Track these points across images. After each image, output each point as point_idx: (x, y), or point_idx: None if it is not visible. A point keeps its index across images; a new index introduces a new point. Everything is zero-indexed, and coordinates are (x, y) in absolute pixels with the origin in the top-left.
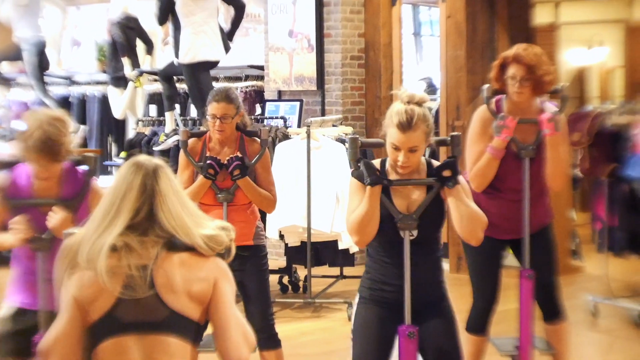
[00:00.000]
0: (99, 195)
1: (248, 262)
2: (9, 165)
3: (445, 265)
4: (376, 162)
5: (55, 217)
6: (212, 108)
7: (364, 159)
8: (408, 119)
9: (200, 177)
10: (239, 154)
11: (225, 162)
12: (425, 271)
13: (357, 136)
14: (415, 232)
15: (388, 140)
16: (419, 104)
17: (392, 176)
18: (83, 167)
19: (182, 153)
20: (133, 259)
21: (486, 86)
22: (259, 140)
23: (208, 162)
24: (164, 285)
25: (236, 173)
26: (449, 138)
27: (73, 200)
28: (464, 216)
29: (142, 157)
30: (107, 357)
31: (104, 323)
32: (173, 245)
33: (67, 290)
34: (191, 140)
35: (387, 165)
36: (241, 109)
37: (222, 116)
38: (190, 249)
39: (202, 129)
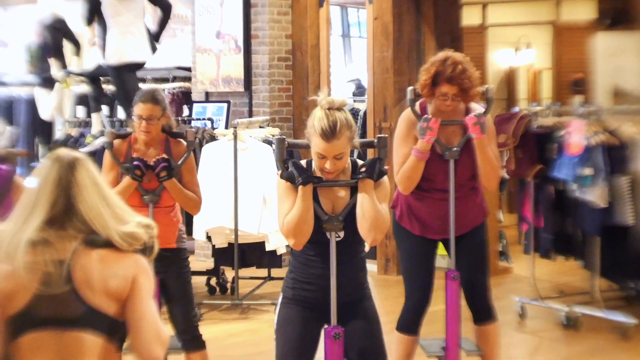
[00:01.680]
0: (22, 191)
1: (170, 264)
2: None
3: (373, 266)
4: (302, 163)
5: None
6: (138, 109)
7: (291, 159)
8: (331, 128)
9: (127, 178)
10: (165, 156)
11: (152, 163)
12: (349, 271)
13: (284, 137)
14: (341, 234)
15: (313, 149)
16: (340, 109)
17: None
18: (6, 164)
19: (107, 154)
20: (50, 254)
21: (410, 88)
22: (184, 141)
23: (135, 163)
24: (81, 281)
25: (163, 174)
26: (375, 140)
27: None
28: (366, 214)
29: (62, 151)
30: (24, 352)
31: (21, 318)
32: (92, 240)
33: None
34: (116, 141)
35: (314, 166)
36: (167, 110)
37: (148, 117)
38: (110, 244)
39: (128, 130)
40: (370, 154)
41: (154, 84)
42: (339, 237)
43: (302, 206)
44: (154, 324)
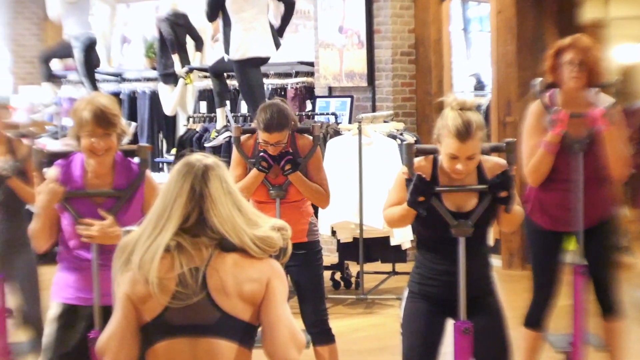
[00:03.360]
0: (152, 186)
1: (302, 258)
2: (62, 155)
3: (498, 261)
4: (428, 162)
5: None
6: (265, 137)
7: (420, 175)
8: (466, 128)
9: (253, 171)
10: (290, 149)
11: (277, 156)
12: (474, 268)
13: (412, 142)
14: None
15: (444, 150)
16: (471, 109)
17: (444, 177)
18: (136, 159)
19: (234, 150)
20: (185, 259)
21: (538, 80)
22: (309, 137)
23: (261, 155)
24: (216, 287)
25: (287, 168)
26: (504, 144)
27: (127, 190)
28: (512, 221)
29: (193, 157)
30: (160, 359)
31: (155, 325)
32: (225, 246)
33: (121, 288)
34: (243, 137)
35: (439, 165)
36: (291, 124)
37: (276, 143)
38: (243, 249)
39: (253, 125)
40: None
41: (277, 79)
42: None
43: (404, 215)
44: (290, 327)
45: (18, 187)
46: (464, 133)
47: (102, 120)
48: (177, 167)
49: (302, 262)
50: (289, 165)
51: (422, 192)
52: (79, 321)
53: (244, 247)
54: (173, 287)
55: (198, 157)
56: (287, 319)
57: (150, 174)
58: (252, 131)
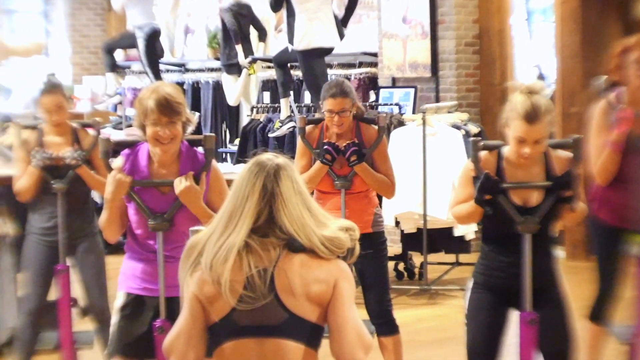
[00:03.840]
0: (218, 175)
1: (367, 249)
2: (128, 145)
3: (561, 253)
4: (492, 156)
5: (182, 184)
6: (328, 104)
7: (487, 173)
8: (535, 110)
9: (317, 163)
10: (356, 140)
11: (342, 148)
12: (540, 261)
13: (478, 138)
14: None
15: (512, 134)
16: (539, 93)
17: (509, 169)
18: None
19: (299, 140)
20: (254, 260)
21: (602, 77)
22: (374, 126)
23: (325, 147)
24: (283, 288)
25: (353, 159)
26: (571, 140)
27: (194, 177)
28: (575, 217)
29: (264, 157)
30: (227, 358)
31: (223, 326)
32: (293, 246)
33: (189, 288)
34: (308, 127)
35: (504, 157)
36: (356, 99)
37: (340, 110)
38: (311, 250)
39: (317, 116)
40: None
41: (341, 70)
42: None
43: (471, 211)
44: (357, 329)
45: (88, 175)
46: (532, 115)
47: (167, 109)
48: (248, 166)
49: (367, 253)
50: (354, 156)
51: (489, 190)
52: (144, 311)
53: (313, 247)
54: (240, 290)
55: (269, 157)
56: (354, 320)
57: (216, 163)
58: (317, 122)
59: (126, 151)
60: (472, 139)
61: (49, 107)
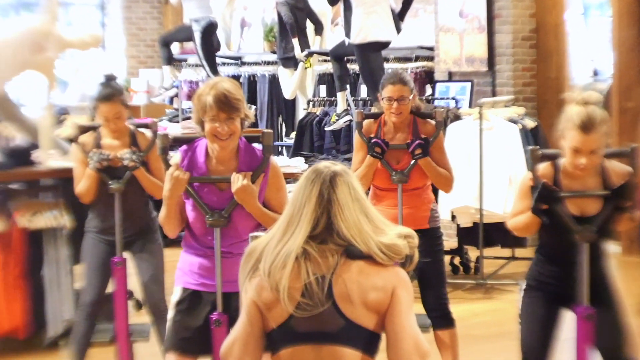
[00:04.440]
0: (276, 172)
1: (424, 244)
2: (186, 141)
3: (617, 248)
4: (549, 168)
5: (238, 182)
6: (388, 91)
7: (545, 183)
8: (591, 121)
9: (368, 157)
10: (422, 135)
11: (407, 143)
12: (593, 265)
13: (538, 148)
14: None
15: (568, 144)
16: (595, 105)
17: (566, 180)
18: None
19: (356, 134)
20: (312, 267)
21: None
22: (431, 121)
23: (373, 140)
24: (341, 295)
25: (418, 152)
26: (629, 150)
27: (252, 176)
28: (630, 224)
29: (322, 165)
30: None
31: (281, 332)
32: (351, 253)
33: (247, 294)
34: (366, 122)
35: (561, 169)
36: (414, 90)
37: (399, 98)
38: (369, 256)
39: (374, 110)
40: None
41: (397, 64)
42: None
43: (529, 222)
44: (414, 337)
45: (144, 178)
46: (588, 125)
47: (225, 105)
48: (305, 174)
49: (424, 248)
50: (419, 149)
51: (547, 199)
52: (201, 306)
53: (370, 253)
54: (298, 297)
55: (326, 164)
56: (411, 329)
57: (274, 160)
58: (376, 116)
59: (184, 147)
60: (530, 147)
61: (108, 115)
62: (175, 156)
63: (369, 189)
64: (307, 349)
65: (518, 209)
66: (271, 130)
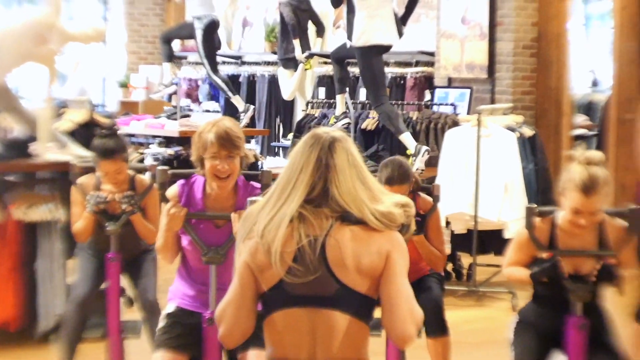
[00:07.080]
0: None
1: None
2: (184, 176)
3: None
4: (546, 223)
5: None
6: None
7: (555, 263)
8: (593, 182)
9: None
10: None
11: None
12: (590, 315)
13: (534, 206)
14: None
15: (569, 204)
16: (598, 164)
17: (563, 236)
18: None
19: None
20: (305, 229)
21: None
22: (429, 197)
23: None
24: (335, 259)
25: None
26: (627, 210)
27: None
28: None
29: (321, 130)
30: (277, 327)
31: (274, 295)
32: (347, 217)
33: (241, 256)
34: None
35: (558, 224)
36: (412, 180)
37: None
38: (364, 222)
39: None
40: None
41: (397, 68)
42: None
43: (523, 280)
44: (409, 302)
45: (140, 223)
46: (589, 187)
47: (227, 142)
48: (304, 139)
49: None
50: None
51: (549, 275)
52: (192, 320)
53: (364, 218)
54: (290, 262)
55: (325, 130)
56: (406, 293)
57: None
58: None
59: (181, 181)
60: (527, 205)
61: (109, 172)
62: (172, 188)
63: None
64: (301, 311)
65: (513, 259)
66: (270, 170)
